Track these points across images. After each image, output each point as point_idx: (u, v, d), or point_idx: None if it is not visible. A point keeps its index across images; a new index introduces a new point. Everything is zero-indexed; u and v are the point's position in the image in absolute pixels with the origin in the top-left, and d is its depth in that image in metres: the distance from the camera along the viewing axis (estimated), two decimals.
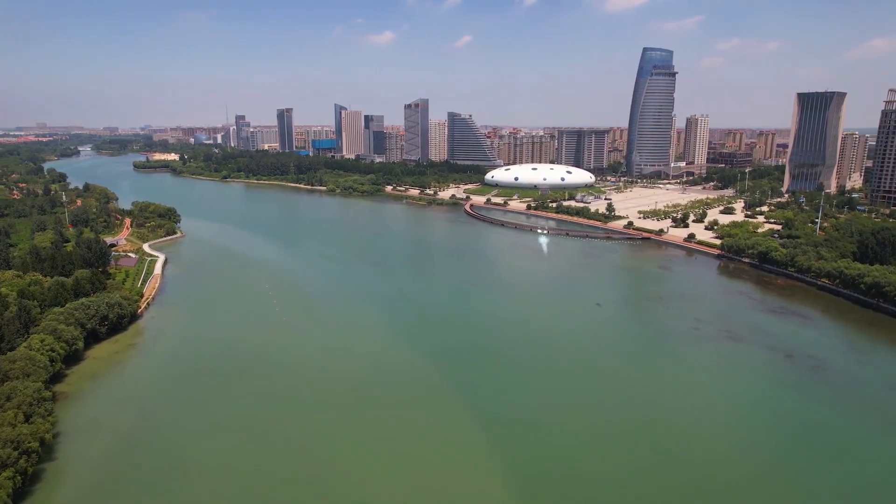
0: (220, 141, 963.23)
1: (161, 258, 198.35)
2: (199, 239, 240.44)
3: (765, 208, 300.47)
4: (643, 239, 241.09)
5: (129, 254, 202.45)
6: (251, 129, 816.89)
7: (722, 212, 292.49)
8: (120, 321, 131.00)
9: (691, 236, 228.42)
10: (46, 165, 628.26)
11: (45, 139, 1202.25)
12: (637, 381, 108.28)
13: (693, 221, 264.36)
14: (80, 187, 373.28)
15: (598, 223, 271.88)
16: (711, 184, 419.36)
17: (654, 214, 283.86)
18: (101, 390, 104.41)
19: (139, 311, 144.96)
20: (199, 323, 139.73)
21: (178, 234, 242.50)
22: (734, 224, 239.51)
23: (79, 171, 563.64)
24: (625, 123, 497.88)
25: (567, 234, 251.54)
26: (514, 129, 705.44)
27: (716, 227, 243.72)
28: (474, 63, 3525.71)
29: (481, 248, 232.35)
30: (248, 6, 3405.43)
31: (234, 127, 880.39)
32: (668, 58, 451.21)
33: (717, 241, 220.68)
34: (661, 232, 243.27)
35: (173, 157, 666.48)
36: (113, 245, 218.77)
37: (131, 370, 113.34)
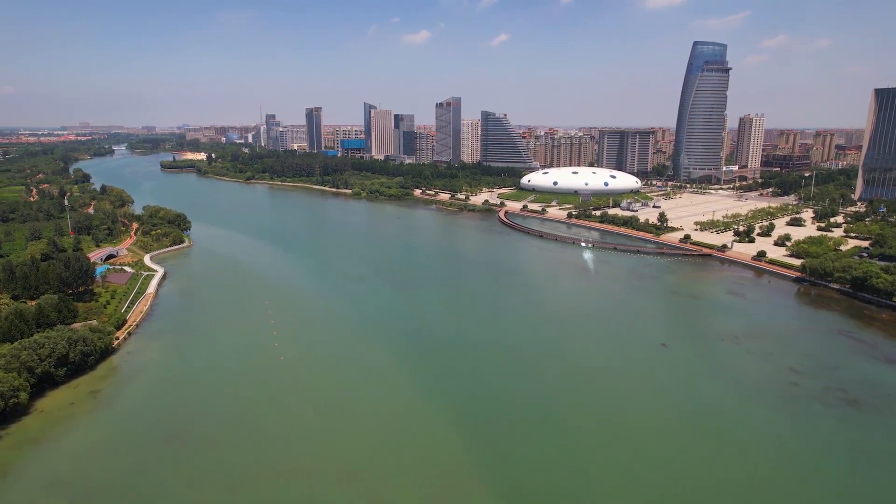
0: (250, 140, 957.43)
1: (159, 273, 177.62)
2: (206, 249, 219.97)
3: (839, 219, 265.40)
4: (703, 256, 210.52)
5: (125, 267, 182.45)
6: (280, 129, 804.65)
7: (789, 223, 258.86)
8: (85, 360, 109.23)
9: (761, 254, 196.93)
10: (77, 165, 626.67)
11: (84, 138, 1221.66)
12: (730, 464, 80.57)
13: (759, 235, 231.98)
14: (99, 189, 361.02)
15: (648, 235, 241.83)
16: (769, 190, 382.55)
17: (713, 226, 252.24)
18: (32, 465, 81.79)
19: (116, 343, 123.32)
20: (182, 362, 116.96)
21: (186, 244, 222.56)
22: (811, 240, 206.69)
23: (106, 171, 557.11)
24: (666, 123, 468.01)
25: (615, 249, 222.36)
26: (550, 129, 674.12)
27: (788, 244, 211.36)
28: (510, 62, 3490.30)
29: (518, 265, 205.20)
30: (286, 6, 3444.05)
31: (265, 126, 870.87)
32: (720, 52, 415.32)
33: (793, 261, 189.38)
34: (724, 248, 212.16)
35: (202, 156, 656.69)
36: (111, 256, 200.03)
37: (80, 433, 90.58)
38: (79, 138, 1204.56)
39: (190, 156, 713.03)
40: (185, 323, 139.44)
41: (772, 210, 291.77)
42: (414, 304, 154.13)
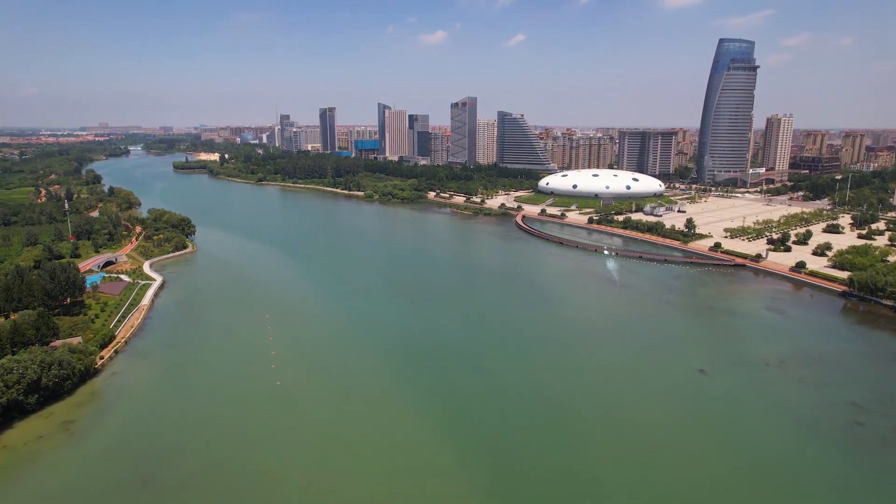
0: (265, 141, 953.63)
1: (156, 282, 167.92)
2: (210, 255, 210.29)
3: (880, 225, 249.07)
4: (735, 266, 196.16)
5: (122, 276, 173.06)
6: (294, 129, 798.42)
7: (826, 230, 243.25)
8: (62, 385, 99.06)
9: (800, 265, 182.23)
10: (91, 166, 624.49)
11: (102, 139, 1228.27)
12: None
13: (795, 243, 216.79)
14: (107, 191, 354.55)
15: (675, 243, 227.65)
16: (799, 194, 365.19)
17: (744, 233, 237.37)
18: None
19: (100, 362, 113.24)
20: (168, 387, 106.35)
21: (189, 249, 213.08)
22: (854, 249, 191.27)
23: (119, 172, 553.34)
24: (685, 124, 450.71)
25: (640, 258, 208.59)
26: (567, 129, 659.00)
27: (829, 253, 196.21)
28: (526, 62, 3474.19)
29: (538, 275, 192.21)
30: (302, 6, 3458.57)
31: (279, 127, 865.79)
32: (748, 50, 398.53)
33: (836, 273, 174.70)
34: (758, 257, 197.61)
35: (215, 157, 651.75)
36: (110, 263, 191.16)
37: (43, 475, 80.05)
38: (97, 139, 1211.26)
39: (204, 156, 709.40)
40: (177, 340, 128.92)
41: (806, 216, 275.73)
42: (425, 321, 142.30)
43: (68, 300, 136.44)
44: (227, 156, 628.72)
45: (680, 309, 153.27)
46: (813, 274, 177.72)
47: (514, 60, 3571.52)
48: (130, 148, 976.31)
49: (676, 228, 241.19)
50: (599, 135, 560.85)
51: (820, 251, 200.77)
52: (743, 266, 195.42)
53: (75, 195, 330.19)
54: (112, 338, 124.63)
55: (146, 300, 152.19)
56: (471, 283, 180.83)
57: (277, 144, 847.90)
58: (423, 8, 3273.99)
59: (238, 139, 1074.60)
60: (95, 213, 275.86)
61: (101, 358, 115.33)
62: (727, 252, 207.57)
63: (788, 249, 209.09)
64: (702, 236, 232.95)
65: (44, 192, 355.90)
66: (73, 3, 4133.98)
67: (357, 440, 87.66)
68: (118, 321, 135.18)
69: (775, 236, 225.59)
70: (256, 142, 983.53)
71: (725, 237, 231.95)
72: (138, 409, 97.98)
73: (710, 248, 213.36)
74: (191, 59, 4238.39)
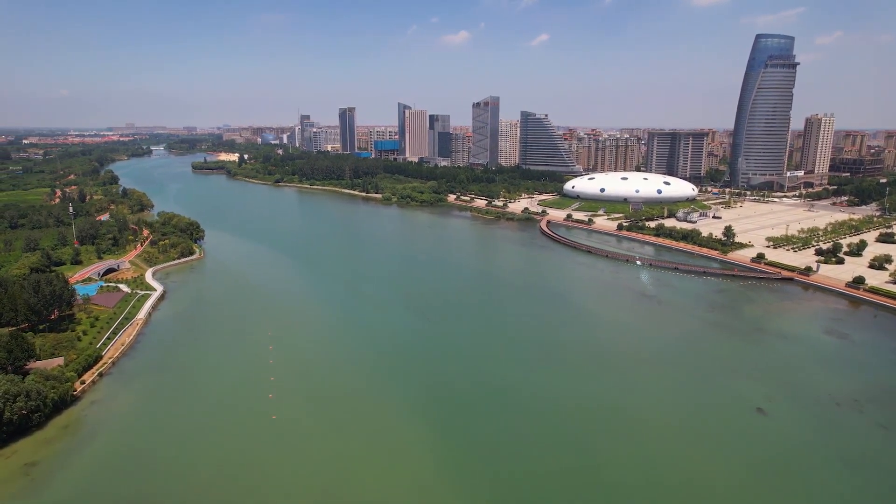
0: (285, 141, 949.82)
1: (156, 293, 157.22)
2: (217, 262, 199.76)
3: None
4: (782, 280, 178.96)
5: (120, 285, 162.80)
6: (314, 130, 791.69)
7: (880, 239, 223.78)
8: (30, 417, 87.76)
9: (859, 280, 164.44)
10: (112, 166, 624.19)
11: (126, 139, 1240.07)
12: None
13: (847, 254, 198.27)
14: (121, 192, 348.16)
15: (714, 253, 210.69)
16: (843, 199, 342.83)
17: (788, 242, 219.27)
18: None
19: (79, 388, 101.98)
20: (150, 421, 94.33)
21: (195, 256, 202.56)
22: None
23: (137, 172, 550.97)
24: (714, 124, 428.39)
25: (676, 269, 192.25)
26: (592, 129, 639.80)
27: (889, 266, 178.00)
28: (550, 62, 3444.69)
29: (565, 288, 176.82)
30: (325, 7, 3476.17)
31: (300, 127, 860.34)
32: (786, 46, 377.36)
33: None
34: (808, 270, 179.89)
35: (235, 157, 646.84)
36: (111, 270, 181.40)
37: None
38: (121, 139, 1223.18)
39: (224, 156, 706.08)
40: (169, 361, 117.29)
41: (855, 223, 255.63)
42: (442, 343, 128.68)
43: (55, 315, 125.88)
44: (246, 156, 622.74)
45: (726, 331, 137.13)
46: (874, 291, 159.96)
47: (537, 60, 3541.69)
48: (153, 148, 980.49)
49: (714, 237, 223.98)
50: (626, 135, 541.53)
51: (878, 264, 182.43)
52: (790, 280, 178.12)
53: (88, 196, 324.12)
54: (98, 358, 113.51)
55: (142, 313, 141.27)
56: (492, 296, 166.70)
57: (297, 145, 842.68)
58: (447, 8, 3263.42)
59: (259, 139, 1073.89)
60: (106, 216, 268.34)
61: (83, 382, 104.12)
62: (772, 264, 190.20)
63: (841, 261, 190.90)
64: (742, 245, 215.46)
65: (59, 193, 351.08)
66: (103, 8, 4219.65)
67: (356, 488, 74.49)
68: (108, 338, 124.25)
69: (824, 246, 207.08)
70: (277, 142, 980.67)
71: (768, 246, 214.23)
72: (113, 447, 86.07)
73: (753, 259, 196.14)
74: (216, 60, 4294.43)
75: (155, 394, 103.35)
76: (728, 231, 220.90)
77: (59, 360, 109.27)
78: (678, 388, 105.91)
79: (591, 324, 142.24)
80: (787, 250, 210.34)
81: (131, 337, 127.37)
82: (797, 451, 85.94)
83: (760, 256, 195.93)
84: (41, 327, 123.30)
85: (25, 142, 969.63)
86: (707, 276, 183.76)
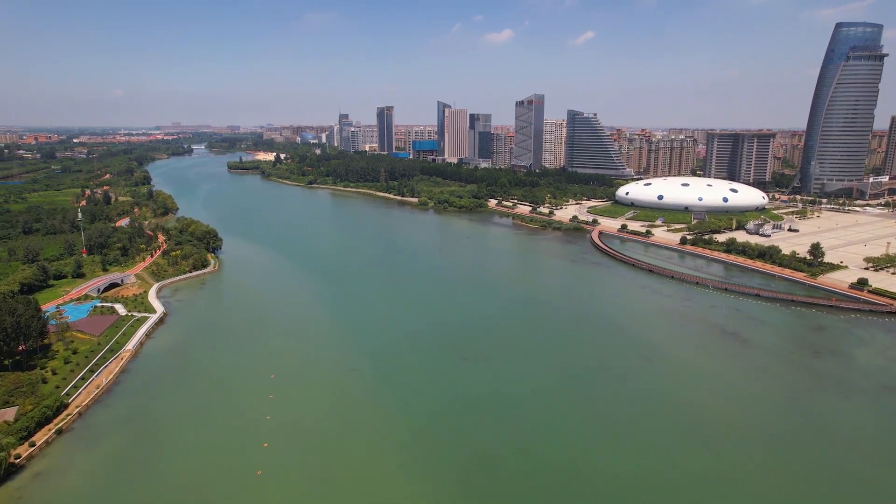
0: (324, 140, 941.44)
1: (155, 316, 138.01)
2: (231, 277, 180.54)
3: None
4: (894, 314, 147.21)
5: (116, 305, 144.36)
6: (352, 129, 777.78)
7: None
8: None
9: None
10: (150, 165, 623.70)
11: (170, 137, 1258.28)
12: None
13: None
14: (147, 194, 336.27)
15: (799, 275, 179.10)
16: None
17: (891, 263, 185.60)
18: None
19: (26, 453, 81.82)
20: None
21: (209, 269, 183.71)
22: None
23: (173, 172, 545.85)
24: (773, 125, 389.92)
25: (758, 296, 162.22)
26: (642, 130, 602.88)
27: None
28: (596, 61, 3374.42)
29: (627, 320, 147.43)
30: (370, 6, 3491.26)
31: (338, 126, 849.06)
32: (873, 35, 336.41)
33: None
34: None
35: (271, 157, 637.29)
36: (114, 285, 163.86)
37: None
38: (166, 137, 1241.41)
39: (262, 156, 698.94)
40: (147, 411, 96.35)
41: None
42: (478, 395, 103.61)
43: (22, 346, 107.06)
44: (282, 156, 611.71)
45: (839, 387, 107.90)
46: None
47: (583, 59, 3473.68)
48: (194, 147, 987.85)
49: (797, 255, 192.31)
50: (682, 136, 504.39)
51: None
52: None
53: (114, 198, 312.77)
54: (62, 408, 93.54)
55: (132, 344, 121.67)
56: (540, 329, 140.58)
57: (336, 144, 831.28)
58: (492, 6, 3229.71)
59: (298, 139, 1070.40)
60: (125, 221, 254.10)
61: (32, 445, 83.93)
62: (878, 292, 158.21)
63: None
64: (834, 267, 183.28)
65: (87, 193, 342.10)
66: (158, 13, 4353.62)
67: None
68: (82, 377, 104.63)
69: None
70: (316, 141, 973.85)
71: (867, 268, 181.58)
72: None
73: (852, 286, 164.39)
74: (261, 60, 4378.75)
75: (119, 462, 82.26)
76: (815, 249, 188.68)
77: (11, 412, 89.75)
78: (791, 485, 78.35)
79: (664, 372, 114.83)
80: (892, 272, 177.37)
81: (111, 377, 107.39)
82: None
83: (862, 283, 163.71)
84: (6, 362, 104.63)
85: (75, 141, 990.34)
86: (795, 307, 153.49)
